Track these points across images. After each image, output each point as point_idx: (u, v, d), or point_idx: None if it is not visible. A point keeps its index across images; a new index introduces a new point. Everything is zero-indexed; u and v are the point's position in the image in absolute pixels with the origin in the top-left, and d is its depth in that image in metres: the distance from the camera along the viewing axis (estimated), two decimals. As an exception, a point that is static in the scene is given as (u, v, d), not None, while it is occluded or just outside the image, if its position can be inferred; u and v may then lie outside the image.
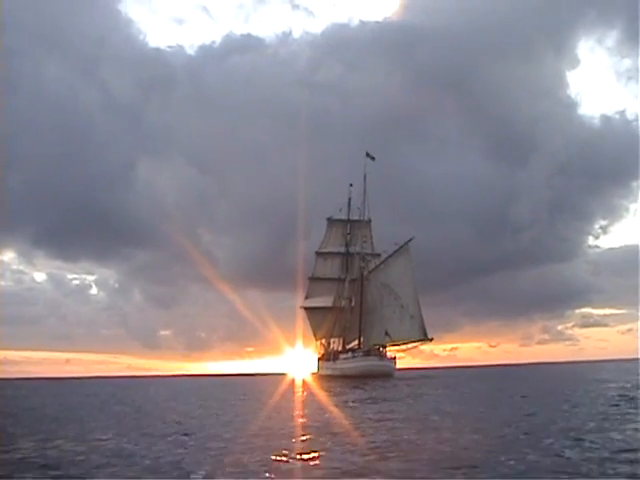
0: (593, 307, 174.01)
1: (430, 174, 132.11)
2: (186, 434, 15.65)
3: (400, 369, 75.80)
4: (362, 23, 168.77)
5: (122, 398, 39.96)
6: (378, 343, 73.59)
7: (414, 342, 72.98)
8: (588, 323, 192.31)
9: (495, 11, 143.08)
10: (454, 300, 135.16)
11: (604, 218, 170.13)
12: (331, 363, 79.57)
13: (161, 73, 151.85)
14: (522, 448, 11.73)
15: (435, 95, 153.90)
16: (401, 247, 74.98)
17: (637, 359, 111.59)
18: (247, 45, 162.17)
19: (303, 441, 13.77)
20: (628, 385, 31.22)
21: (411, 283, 74.38)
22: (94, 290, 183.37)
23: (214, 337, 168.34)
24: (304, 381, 63.25)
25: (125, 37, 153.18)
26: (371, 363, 70.94)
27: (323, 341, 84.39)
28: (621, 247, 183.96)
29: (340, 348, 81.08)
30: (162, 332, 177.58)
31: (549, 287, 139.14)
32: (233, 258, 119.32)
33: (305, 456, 11.54)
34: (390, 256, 76.01)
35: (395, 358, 73.86)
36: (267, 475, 9.98)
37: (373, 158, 77.71)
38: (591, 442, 12.18)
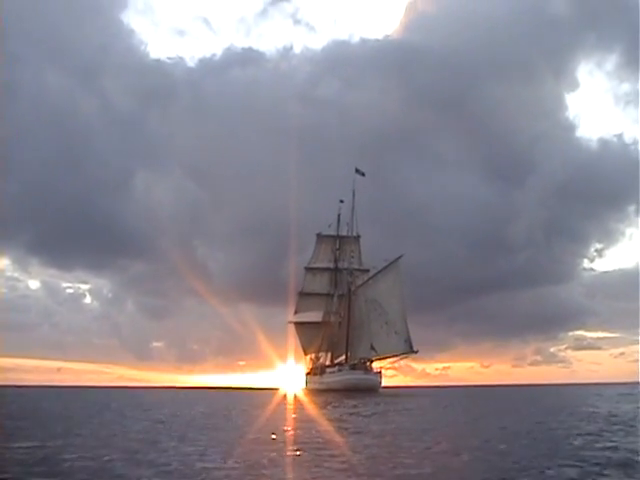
0: (587, 330, 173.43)
1: (426, 192, 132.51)
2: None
3: (390, 387, 75.99)
4: (363, 41, 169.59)
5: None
6: (364, 357, 74.01)
7: (399, 355, 73.45)
8: (581, 346, 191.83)
9: (495, 32, 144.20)
10: (448, 320, 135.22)
11: (600, 241, 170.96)
12: (318, 377, 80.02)
13: (161, 84, 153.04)
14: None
15: (433, 114, 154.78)
16: (390, 263, 75.38)
17: (626, 383, 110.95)
18: (248, 58, 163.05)
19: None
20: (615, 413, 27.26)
21: (399, 299, 74.79)
22: (88, 299, 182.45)
23: (207, 350, 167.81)
24: (296, 396, 62.60)
25: (126, 47, 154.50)
26: (356, 377, 71.61)
27: (313, 356, 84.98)
28: (616, 270, 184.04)
29: (328, 362, 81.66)
30: (155, 344, 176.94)
31: (543, 308, 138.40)
32: (227, 272, 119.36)
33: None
34: (379, 272, 76.55)
35: (381, 372, 74.36)
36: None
37: (363, 174, 78.63)
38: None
